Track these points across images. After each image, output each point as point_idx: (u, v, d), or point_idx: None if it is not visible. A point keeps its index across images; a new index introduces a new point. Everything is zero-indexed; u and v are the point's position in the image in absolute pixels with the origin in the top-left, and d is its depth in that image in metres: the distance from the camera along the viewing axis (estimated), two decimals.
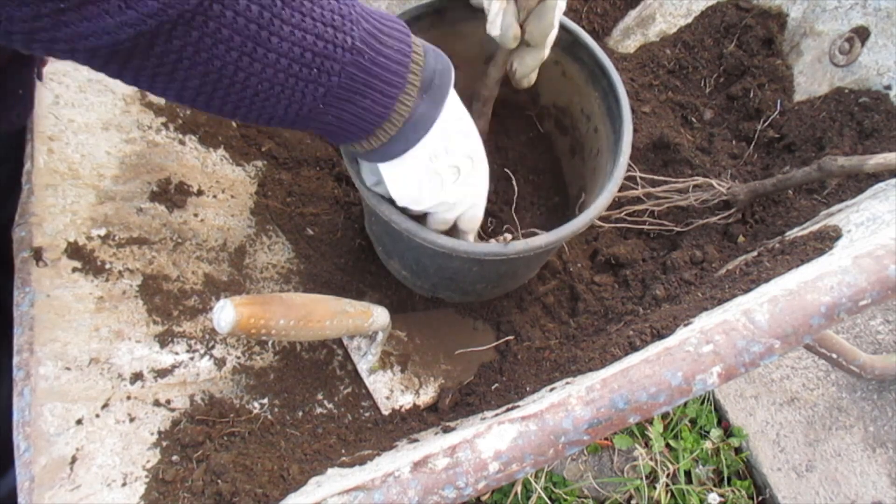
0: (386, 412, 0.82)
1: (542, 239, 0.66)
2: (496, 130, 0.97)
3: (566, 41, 0.81)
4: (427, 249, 0.68)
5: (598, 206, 0.68)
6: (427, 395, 0.85)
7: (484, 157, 0.64)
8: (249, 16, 0.41)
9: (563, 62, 0.83)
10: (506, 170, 0.94)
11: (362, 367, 0.84)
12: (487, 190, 0.67)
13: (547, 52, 0.71)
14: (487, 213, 0.95)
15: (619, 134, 0.74)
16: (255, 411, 0.74)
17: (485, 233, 0.92)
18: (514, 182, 0.91)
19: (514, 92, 0.95)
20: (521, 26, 0.68)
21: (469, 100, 0.85)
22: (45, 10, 0.35)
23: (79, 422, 0.62)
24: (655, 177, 0.98)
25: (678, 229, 0.94)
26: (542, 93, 0.93)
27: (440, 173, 0.59)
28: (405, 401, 0.84)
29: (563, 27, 0.79)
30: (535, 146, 0.98)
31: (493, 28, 0.67)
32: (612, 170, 0.71)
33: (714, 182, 0.92)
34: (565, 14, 1.01)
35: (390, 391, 0.84)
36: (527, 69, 0.72)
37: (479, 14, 0.72)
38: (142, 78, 0.41)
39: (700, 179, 0.93)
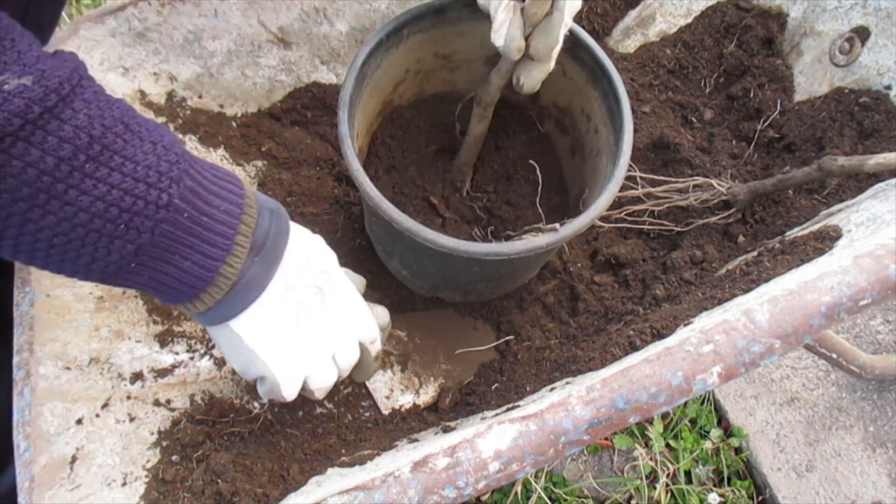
0: (386, 412, 0.82)
1: (544, 239, 0.66)
2: (496, 130, 0.97)
3: (566, 41, 0.81)
4: (428, 250, 0.68)
5: (598, 206, 0.68)
6: (427, 395, 0.85)
7: (339, 270, 0.61)
8: (43, 167, 0.37)
9: (564, 62, 0.83)
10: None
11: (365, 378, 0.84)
12: (357, 289, 0.64)
13: (552, 64, 0.71)
14: (487, 211, 0.95)
15: (620, 134, 0.74)
16: (256, 411, 0.74)
17: (486, 233, 0.92)
18: (538, 171, 0.90)
19: (515, 92, 0.95)
20: (526, 40, 0.68)
21: (471, 100, 0.86)
22: None
23: (79, 421, 0.62)
24: (655, 177, 0.98)
25: (678, 229, 0.94)
26: (542, 93, 0.93)
27: (302, 301, 0.55)
28: (405, 400, 0.84)
29: None
30: (535, 146, 0.98)
31: (498, 39, 0.67)
32: (612, 170, 0.72)
33: (714, 182, 0.92)
34: None
35: (390, 391, 0.84)
36: (534, 82, 0.72)
37: (480, 14, 0.72)
38: None
39: (700, 179, 0.93)
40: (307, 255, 0.56)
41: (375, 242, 0.90)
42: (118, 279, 0.45)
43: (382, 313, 0.76)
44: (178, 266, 0.46)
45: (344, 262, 0.96)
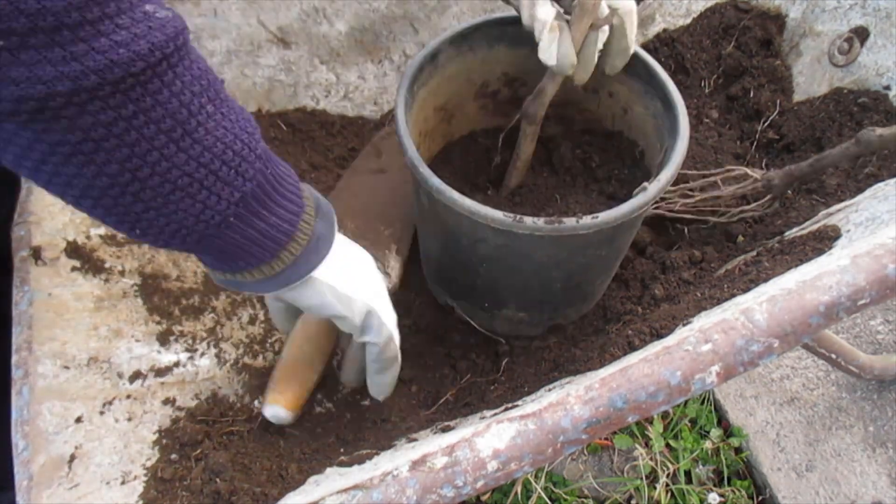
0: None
1: (615, 212, 0.65)
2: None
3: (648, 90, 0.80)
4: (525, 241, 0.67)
5: (669, 172, 0.68)
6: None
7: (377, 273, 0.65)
8: (183, 100, 0.39)
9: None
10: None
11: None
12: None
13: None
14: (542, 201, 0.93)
15: (675, 122, 0.74)
16: (255, 410, 0.74)
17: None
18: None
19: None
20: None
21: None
22: None
23: (78, 420, 0.62)
24: (689, 171, 0.94)
25: (714, 220, 0.91)
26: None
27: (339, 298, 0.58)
28: None
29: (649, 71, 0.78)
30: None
31: (550, 59, 0.68)
32: (672, 143, 0.71)
33: (747, 170, 0.90)
34: None
35: None
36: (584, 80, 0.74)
37: None
38: (57, 153, 0.36)
39: (737, 170, 0.90)
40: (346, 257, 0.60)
41: (427, 260, 0.89)
42: (213, 237, 0.45)
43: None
44: (267, 221, 0.47)
45: None
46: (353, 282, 0.59)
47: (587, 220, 0.65)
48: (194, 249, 0.46)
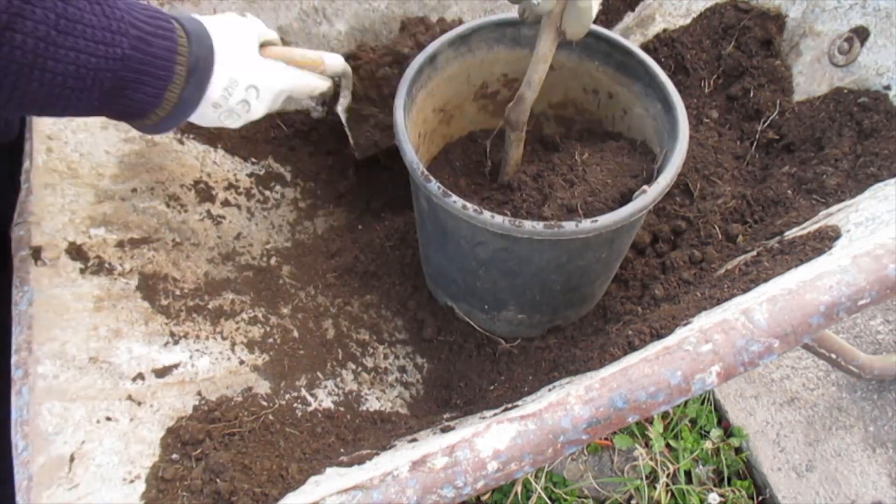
0: (359, 156, 0.93)
1: (614, 215, 0.66)
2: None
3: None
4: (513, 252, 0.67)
5: (668, 174, 0.69)
6: None
7: (266, 71, 0.71)
8: (27, 47, 0.49)
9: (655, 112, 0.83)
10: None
11: (339, 110, 0.91)
12: (289, 79, 0.74)
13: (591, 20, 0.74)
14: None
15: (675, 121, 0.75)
16: (255, 410, 0.74)
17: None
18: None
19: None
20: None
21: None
22: None
23: (78, 420, 0.62)
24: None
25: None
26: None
27: (233, 110, 0.68)
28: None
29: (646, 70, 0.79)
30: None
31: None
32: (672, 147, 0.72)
33: None
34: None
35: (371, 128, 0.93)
36: (582, 28, 0.73)
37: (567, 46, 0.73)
38: None
39: None
40: (232, 74, 0.66)
41: (427, 262, 0.89)
42: (85, 114, 0.59)
43: (334, 59, 0.83)
44: (132, 98, 0.59)
45: (336, 264, 0.96)
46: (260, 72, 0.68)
47: (586, 223, 0.65)
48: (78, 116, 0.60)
